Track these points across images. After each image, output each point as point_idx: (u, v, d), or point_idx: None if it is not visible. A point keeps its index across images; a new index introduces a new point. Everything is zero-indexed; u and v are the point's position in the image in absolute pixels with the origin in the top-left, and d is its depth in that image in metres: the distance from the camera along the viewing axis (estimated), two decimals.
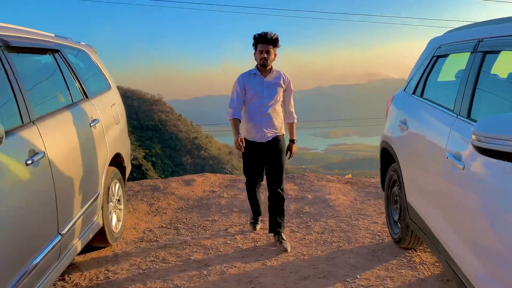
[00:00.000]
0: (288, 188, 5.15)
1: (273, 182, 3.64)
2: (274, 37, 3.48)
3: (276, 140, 3.68)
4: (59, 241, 2.53)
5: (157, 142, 59.98)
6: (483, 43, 2.32)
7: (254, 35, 3.56)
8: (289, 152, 3.79)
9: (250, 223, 4.07)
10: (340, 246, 3.60)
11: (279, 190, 3.64)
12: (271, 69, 3.64)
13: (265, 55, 3.50)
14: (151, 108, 64.30)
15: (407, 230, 3.13)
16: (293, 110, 3.76)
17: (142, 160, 49.56)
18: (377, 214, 4.28)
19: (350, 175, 6.01)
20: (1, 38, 2.46)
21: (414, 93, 3.32)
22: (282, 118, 3.74)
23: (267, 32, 3.50)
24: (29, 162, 2.23)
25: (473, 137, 1.61)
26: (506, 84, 2.30)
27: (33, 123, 2.42)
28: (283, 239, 3.63)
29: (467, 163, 2.02)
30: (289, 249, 3.53)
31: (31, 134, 2.35)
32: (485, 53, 2.27)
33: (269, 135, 3.66)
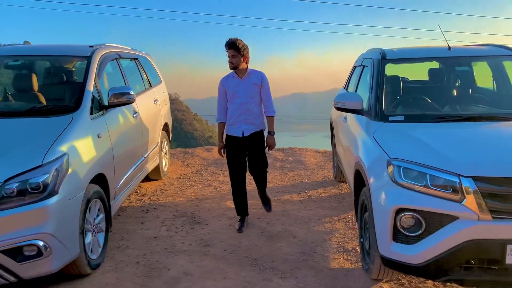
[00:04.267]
0: (276, 154, 7.38)
1: (255, 168, 4.15)
2: (235, 43, 3.84)
3: (255, 135, 4.05)
4: (143, 160, 4.81)
5: (173, 140, 62.43)
6: (364, 61, 4.52)
7: (225, 43, 3.94)
8: (268, 143, 4.12)
9: (238, 222, 4.22)
10: (302, 181, 5.85)
11: (261, 172, 4.20)
12: (246, 70, 3.99)
13: (231, 60, 3.89)
14: None
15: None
16: (270, 104, 4.07)
17: None
18: (331, 168, 6.49)
19: (325, 149, 8.18)
20: (117, 52, 4.77)
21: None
22: (262, 114, 4.09)
23: (230, 39, 3.90)
24: (134, 115, 4.53)
25: (334, 103, 3.82)
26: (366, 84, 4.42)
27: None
28: (267, 204, 4.39)
29: (345, 117, 4.24)
30: (271, 209, 4.38)
31: (134, 103, 4.64)
32: (364, 68, 4.47)
33: (247, 131, 4.02)
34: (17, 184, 2.71)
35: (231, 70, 4.02)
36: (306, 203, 4.92)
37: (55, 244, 2.79)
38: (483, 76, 4.30)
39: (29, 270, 2.74)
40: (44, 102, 3.95)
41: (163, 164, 5.98)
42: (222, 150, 4.16)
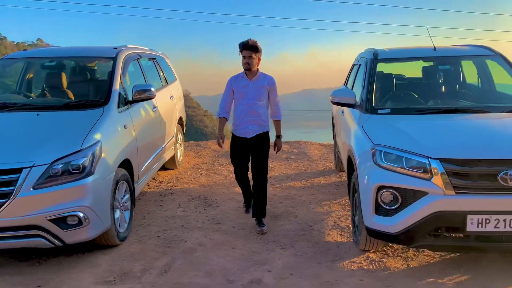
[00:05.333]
0: (283, 147, 7.88)
1: (256, 173, 4.15)
2: (254, 44, 3.96)
3: (260, 136, 4.14)
4: (161, 150, 5.36)
5: (185, 135, 63.29)
6: (360, 60, 5.00)
7: (239, 44, 4.03)
8: (276, 146, 4.27)
9: (244, 206, 4.63)
10: (305, 170, 6.35)
11: (261, 180, 4.16)
12: (256, 72, 4.09)
13: (248, 61, 3.98)
14: None
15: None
16: (277, 108, 4.19)
17: None
18: (333, 159, 6.98)
19: (329, 142, 8.66)
20: (137, 53, 5.31)
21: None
22: (267, 116, 4.19)
23: (248, 40, 3.98)
24: (154, 109, 5.08)
25: (330, 98, 4.31)
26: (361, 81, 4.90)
27: None
28: (263, 224, 4.11)
29: (343, 111, 4.73)
30: (265, 231, 4.02)
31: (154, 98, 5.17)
32: (360, 66, 4.95)
33: (252, 132, 4.12)
34: (61, 165, 3.26)
35: (242, 70, 4.13)
36: (308, 189, 5.43)
37: (92, 215, 3.34)
38: (467, 73, 4.77)
39: (72, 236, 3.31)
40: (73, 98, 4.51)
41: (178, 154, 6.52)
42: (221, 140, 4.21)
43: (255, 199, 4.19)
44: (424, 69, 4.79)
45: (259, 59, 4.08)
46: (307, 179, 5.90)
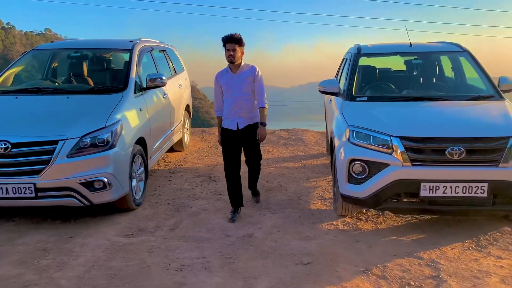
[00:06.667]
0: (281, 133, 8.55)
1: (250, 160, 4.40)
2: (238, 37, 4.01)
3: (249, 127, 4.22)
4: (170, 132, 6.05)
5: (191, 126, 63.98)
6: (347, 54, 5.63)
7: (222, 37, 4.06)
8: (259, 134, 4.20)
9: (231, 212, 4.31)
10: (299, 154, 7.03)
11: (255, 163, 4.44)
12: (240, 64, 4.14)
13: (232, 53, 4.02)
14: None
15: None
16: (261, 96, 4.19)
17: None
18: (325, 144, 7.64)
19: (324, 130, 9.30)
20: (150, 45, 5.99)
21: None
22: (255, 107, 4.22)
23: (232, 33, 4.04)
24: (164, 96, 5.76)
25: (318, 87, 4.95)
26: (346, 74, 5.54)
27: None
28: (256, 194, 4.72)
29: (331, 99, 5.38)
30: (259, 200, 4.70)
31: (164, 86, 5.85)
32: (347, 60, 5.59)
33: (241, 123, 4.19)
34: (89, 139, 3.96)
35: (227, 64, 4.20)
36: (300, 169, 6.11)
37: (114, 181, 4.04)
38: (442, 66, 5.39)
39: (98, 197, 4.01)
40: (92, 84, 5.19)
41: (185, 138, 7.21)
42: (221, 137, 4.32)
43: (250, 178, 4.62)
44: (404, 62, 5.43)
45: (242, 52, 4.14)
46: (300, 160, 6.58)
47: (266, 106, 4.20)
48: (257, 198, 4.74)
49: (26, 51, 5.67)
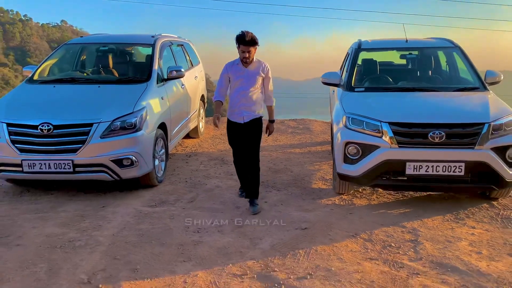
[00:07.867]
0: (290, 123, 9.09)
1: (249, 157, 4.35)
2: (253, 39, 4.04)
3: (253, 121, 4.30)
4: (187, 120, 6.63)
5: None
6: (349, 49, 6.14)
7: (236, 36, 4.08)
8: (268, 130, 4.49)
9: (240, 190, 4.78)
10: (306, 141, 7.58)
11: (253, 164, 4.34)
12: (252, 60, 4.19)
13: (247, 55, 4.09)
14: None
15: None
16: (271, 94, 4.35)
17: None
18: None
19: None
20: (169, 40, 6.58)
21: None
22: (261, 102, 4.32)
23: (246, 34, 4.02)
24: (182, 86, 6.35)
25: (321, 79, 5.49)
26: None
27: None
28: (255, 204, 4.32)
29: (334, 90, 5.90)
30: (256, 212, 4.26)
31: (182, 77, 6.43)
32: (349, 54, 6.10)
33: (247, 117, 4.27)
34: (119, 122, 4.57)
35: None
36: (305, 154, 6.67)
37: (140, 159, 4.66)
38: (436, 60, 5.87)
39: (126, 173, 4.63)
40: (117, 75, 5.79)
41: (200, 126, 7.81)
42: (217, 120, 4.21)
43: (248, 181, 4.39)
44: (401, 56, 5.93)
45: (255, 49, 4.18)
46: (306, 147, 7.13)
47: (274, 104, 4.43)
48: (254, 209, 4.30)
49: (59, 45, 6.30)
